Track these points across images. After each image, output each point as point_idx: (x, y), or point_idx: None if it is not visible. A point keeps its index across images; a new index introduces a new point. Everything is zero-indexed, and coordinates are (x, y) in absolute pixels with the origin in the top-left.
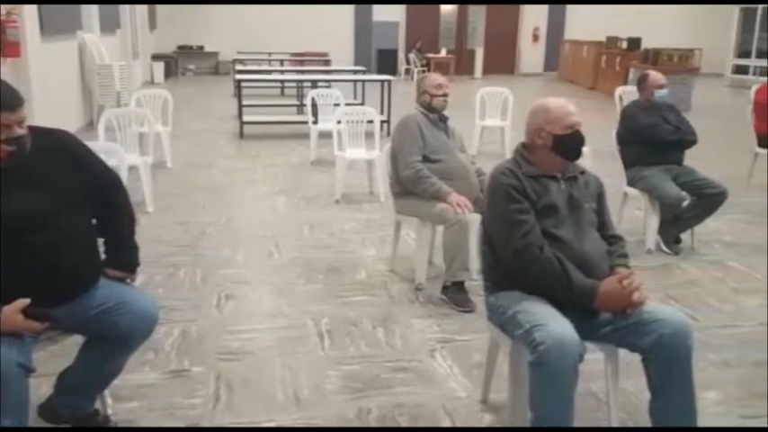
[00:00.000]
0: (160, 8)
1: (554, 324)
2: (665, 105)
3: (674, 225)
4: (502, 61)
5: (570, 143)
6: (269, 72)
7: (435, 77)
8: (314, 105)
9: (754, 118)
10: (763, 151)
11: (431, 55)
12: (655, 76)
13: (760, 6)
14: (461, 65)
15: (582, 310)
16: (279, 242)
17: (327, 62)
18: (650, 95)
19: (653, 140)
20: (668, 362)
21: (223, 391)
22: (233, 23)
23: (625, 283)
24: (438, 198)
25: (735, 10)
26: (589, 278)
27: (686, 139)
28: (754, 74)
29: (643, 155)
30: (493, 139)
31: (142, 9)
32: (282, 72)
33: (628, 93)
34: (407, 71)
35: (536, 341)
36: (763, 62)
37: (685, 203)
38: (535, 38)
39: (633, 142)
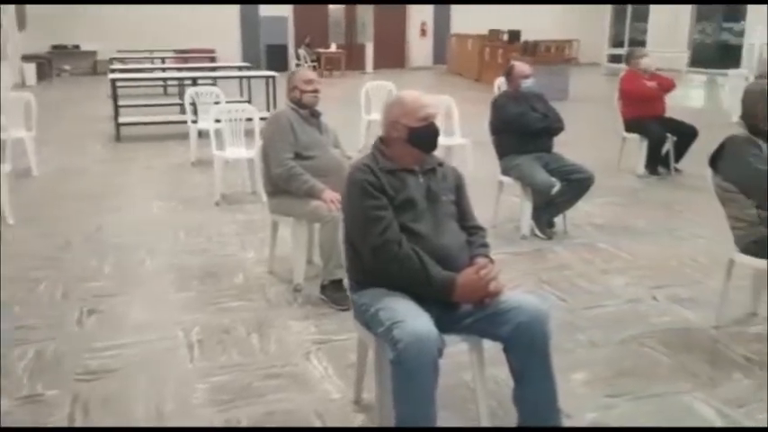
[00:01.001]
0: (30, 6)
1: (412, 320)
2: (533, 95)
3: (546, 210)
4: (392, 56)
5: (425, 135)
6: (150, 71)
7: (305, 73)
8: (193, 104)
9: (621, 104)
10: (630, 135)
11: (321, 50)
12: (520, 66)
13: None
14: (352, 60)
15: (443, 303)
16: (152, 249)
17: (213, 59)
18: (518, 86)
19: (522, 129)
20: (526, 349)
21: (79, 414)
22: (112, 21)
23: (482, 274)
24: (311, 195)
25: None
26: (449, 271)
27: (553, 127)
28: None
29: (514, 144)
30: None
31: (7, 7)
32: (164, 70)
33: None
34: (298, 67)
35: (395, 339)
36: None
37: (555, 189)
38: (423, 32)
39: (504, 132)
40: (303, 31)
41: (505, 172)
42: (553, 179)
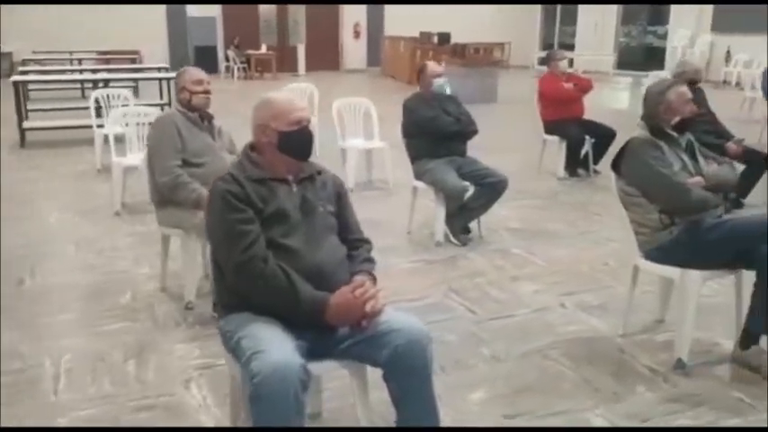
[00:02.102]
0: None
1: (274, 350)
2: (446, 97)
3: (460, 216)
4: (325, 58)
5: (297, 141)
6: (60, 72)
7: (194, 72)
8: (99, 107)
9: (540, 106)
10: (550, 137)
11: (251, 51)
12: (432, 66)
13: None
14: (284, 62)
15: (319, 327)
16: (35, 267)
17: (134, 60)
18: (430, 86)
19: (434, 133)
20: (405, 374)
21: None
22: (30, 21)
23: (357, 293)
24: (200, 206)
25: (537, 5)
26: (324, 289)
27: (466, 130)
28: None
29: (426, 147)
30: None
31: None
32: (81, 72)
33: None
34: (228, 69)
35: (252, 372)
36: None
37: (468, 194)
38: (357, 34)
39: (416, 135)
40: (233, 32)
41: (418, 177)
42: (465, 183)
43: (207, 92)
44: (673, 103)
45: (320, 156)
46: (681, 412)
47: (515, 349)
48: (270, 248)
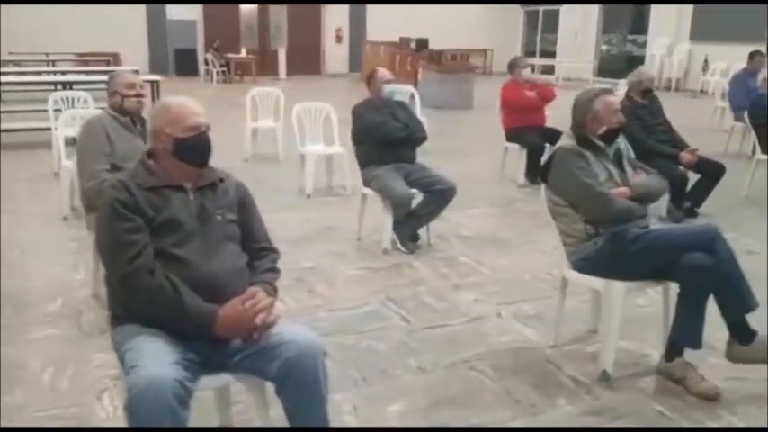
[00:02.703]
0: None
1: (149, 365)
2: (396, 103)
3: (408, 223)
4: (307, 62)
5: (194, 147)
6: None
7: (127, 76)
8: (58, 110)
9: (502, 113)
10: (511, 145)
11: (231, 55)
12: (382, 72)
13: (541, 9)
14: (265, 65)
15: (212, 340)
16: None
17: (109, 62)
18: (379, 92)
19: (382, 139)
20: (296, 387)
21: None
22: (8, 22)
23: (247, 305)
24: None
25: (520, 13)
26: (217, 301)
27: (415, 137)
28: (540, 72)
29: (374, 154)
30: (269, 141)
31: None
32: (51, 74)
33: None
34: (207, 72)
35: (128, 385)
36: (545, 61)
37: (415, 201)
38: (338, 39)
39: (364, 141)
40: (213, 35)
41: (366, 183)
42: (413, 191)
43: (139, 95)
44: (599, 113)
45: (282, 161)
46: (599, 426)
47: (443, 360)
48: (160, 259)
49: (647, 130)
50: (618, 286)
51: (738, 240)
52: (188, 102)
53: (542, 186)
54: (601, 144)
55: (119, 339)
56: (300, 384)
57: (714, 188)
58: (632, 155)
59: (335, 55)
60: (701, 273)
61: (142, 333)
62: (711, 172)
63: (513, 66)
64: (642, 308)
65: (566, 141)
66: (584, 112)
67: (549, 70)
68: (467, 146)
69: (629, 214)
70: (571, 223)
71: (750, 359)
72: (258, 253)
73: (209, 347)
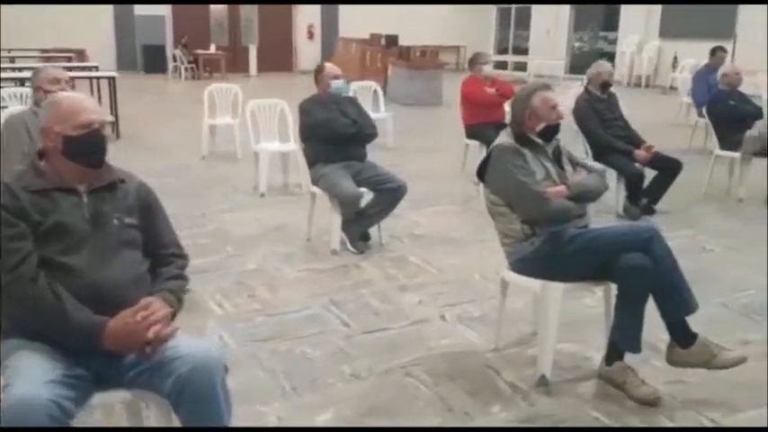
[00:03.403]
0: None
1: (22, 384)
2: (345, 99)
3: (357, 223)
4: (278, 58)
5: (86, 146)
6: None
7: (51, 71)
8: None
9: (462, 109)
10: (471, 142)
11: (200, 51)
12: (330, 67)
13: (513, 6)
14: (235, 62)
15: (106, 354)
16: None
17: (70, 59)
18: (327, 87)
19: (329, 136)
20: (191, 405)
21: None
22: None
23: (139, 317)
24: None
25: (493, 9)
26: (111, 311)
27: (364, 133)
28: (513, 69)
29: (322, 151)
30: (228, 138)
31: None
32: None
33: (362, 87)
34: (176, 69)
35: (1, 405)
36: (518, 57)
37: (364, 200)
38: (310, 35)
39: (311, 138)
40: (182, 31)
41: (315, 182)
42: (361, 189)
43: (64, 92)
44: (537, 110)
45: (241, 159)
46: None
47: (379, 366)
48: (46, 267)
49: (604, 124)
50: (555, 288)
51: (694, 238)
52: (81, 98)
53: (481, 185)
54: (539, 141)
55: (2, 354)
56: (196, 401)
57: (671, 184)
58: (586, 151)
59: (307, 51)
60: (638, 274)
61: (24, 348)
62: (668, 168)
63: (473, 61)
64: (590, 308)
65: (504, 139)
66: (522, 109)
67: (521, 67)
68: (432, 142)
69: (566, 214)
70: (508, 223)
71: (690, 363)
72: (164, 259)
73: (101, 362)
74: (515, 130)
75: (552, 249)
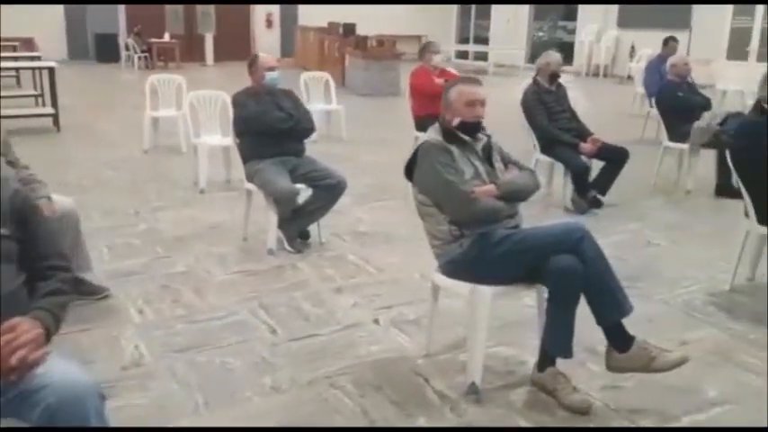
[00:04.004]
0: None
1: None
2: (281, 91)
3: (295, 221)
4: (236, 47)
5: None
6: None
7: None
8: None
9: (411, 100)
10: (420, 134)
11: (153, 40)
12: (264, 57)
13: None
14: (191, 51)
15: None
16: None
17: (15, 48)
18: (261, 79)
19: (263, 130)
20: None
21: None
22: None
23: (3, 340)
24: None
25: None
26: None
27: (300, 128)
28: (474, 59)
29: (256, 146)
30: (172, 131)
31: None
32: None
33: (312, 78)
34: (129, 58)
35: None
36: (479, 47)
37: (302, 197)
38: (269, 23)
39: (245, 133)
40: (136, 19)
41: (249, 178)
42: (298, 186)
43: None
44: (452, 104)
45: (186, 152)
46: None
47: (303, 377)
48: None
49: (551, 117)
50: (484, 291)
51: (640, 232)
52: None
53: (409, 185)
54: (466, 138)
55: None
56: None
57: (618, 174)
58: (534, 144)
59: (266, 40)
60: (568, 276)
61: None
62: (615, 158)
63: (423, 51)
64: (530, 308)
65: (431, 135)
66: (443, 101)
67: (482, 57)
68: (386, 134)
69: (495, 214)
70: (436, 224)
71: (629, 368)
72: (43, 273)
73: None
74: (443, 126)
75: (480, 251)
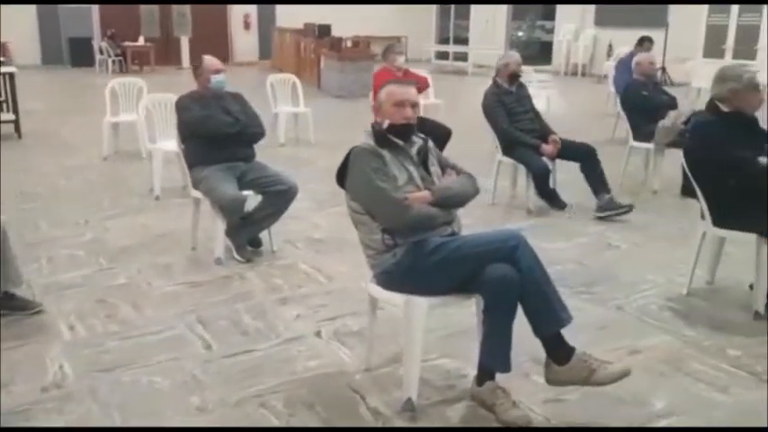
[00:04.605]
0: None
1: None
2: (229, 95)
3: (244, 229)
4: (214, 50)
5: None
6: None
7: None
8: None
9: (374, 102)
10: None
11: (128, 43)
12: (210, 60)
13: None
14: (167, 54)
15: None
16: None
17: None
18: (207, 82)
19: (208, 135)
20: None
21: None
22: None
23: None
24: None
25: None
26: None
27: (247, 132)
28: (453, 59)
29: (201, 152)
30: (135, 136)
31: None
32: None
33: (279, 80)
34: (103, 62)
35: None
36: (459, 48)
37: (250, 204)
38: (246, 25)
39: (190, 138)
40: (111, 22)
41: (195, 186)
42: (245, 193)
43: None
44: (382, 104)
45: (146, 158)
46: None
47: (232, 396)
48: None
49: (512, 118)
50: (419, 303)
51: (603, 234)
52: None
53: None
54: (400, 142)
55: None
56: None
57: (599, 168)
58: (496, 146)
59: (244, 42)
60: (503, 286)
61: None
62: (581, 156)
63: (387, 52)
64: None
65: (363, 139)
66: (378, 105)
67: (462, 57)
68: (355, 138)
69: (430, 221)
70: (369, 233)
71: (568, 381)
72: None
73: None
74: (374, 129)
75: (414, 261)
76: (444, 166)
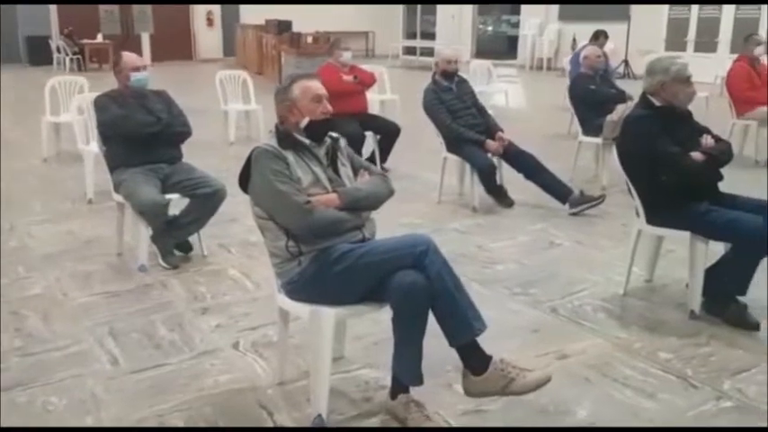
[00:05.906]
0: None
1: None
2: (151, 93)
3: (169, 234)
4: (177, 47)
5: None
6: None
7: None
8: None
9: None
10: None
11: (86, 41)
12: (129, 57)
13: None
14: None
15: None
16: None
17: None
18: (126, 80)
19: (127, 135)
20: None
21: None
22: None
23: None
24: None
25: None
26: None
27: (170, 132)
28: (420, 54)
29: (122, 154)
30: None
31: None
32: None
33: (229, 77)
34: (60, 60)
35: None
36: (426, 43)
37: (175, 208)
38: (210, 22)
39: (109, 139)
40: (69, 20)
41: (116, 189)
42: (167, 197)
43: None
44: (298, 102)
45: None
46: None
47: (132, 415)
48: None
49: (453, 114)
50: (326, 314)
51: (546, 231)
52: None
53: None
54: (306, 141)
55: None
56: None
57: (546, 173)
58: (441, 143)
59: (208, 39)
60: (410, 294)
61: None
62: (522, 166)
63: (331, 47)
64: None
65: (265, 141)
66: (281, 102)
67: (429, 52)
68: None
69: (336, 226)
70: (274, 239)
71: (486, 392)
72: None
73: None
74: (279, 128)
75: (319, 269)
76: (356, 167)
